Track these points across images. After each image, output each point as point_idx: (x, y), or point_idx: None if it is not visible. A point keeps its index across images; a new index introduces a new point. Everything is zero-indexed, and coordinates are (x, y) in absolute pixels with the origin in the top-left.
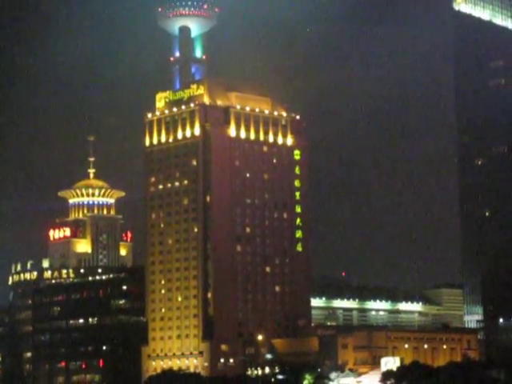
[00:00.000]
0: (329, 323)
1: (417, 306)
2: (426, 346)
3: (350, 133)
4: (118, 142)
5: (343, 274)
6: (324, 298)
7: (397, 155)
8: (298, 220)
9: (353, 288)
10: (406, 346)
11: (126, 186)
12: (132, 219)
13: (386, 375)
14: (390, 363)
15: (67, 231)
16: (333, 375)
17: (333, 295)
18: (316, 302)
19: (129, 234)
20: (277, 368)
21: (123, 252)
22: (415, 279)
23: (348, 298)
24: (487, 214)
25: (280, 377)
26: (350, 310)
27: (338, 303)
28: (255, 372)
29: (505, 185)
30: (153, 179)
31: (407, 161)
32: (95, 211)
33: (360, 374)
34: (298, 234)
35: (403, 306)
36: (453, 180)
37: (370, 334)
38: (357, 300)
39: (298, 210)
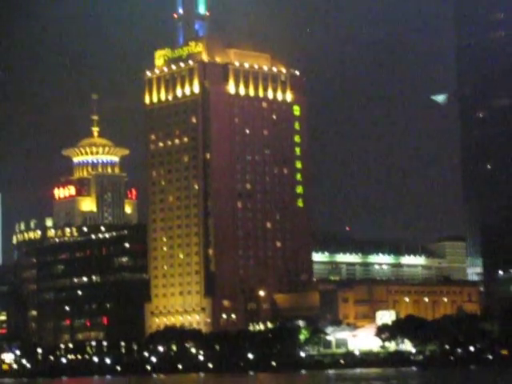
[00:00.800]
0: (332, 278)
1: (420, 260)
2: (426, 299)
3: (349, 88)
4: (121, 100)
5: (347, 228)
6: (327, 253)
7: (397, 109)
8: (299, 175)
9: (355, 242)
10: (407, 299)
11: (130, 143)
12: (137, 177)
13: (381, 329)
14: (386, 317)
15: (72, 190)
16: (329, 329)
17: (335, 250)
18: (318, 257)
19: (133, 192)
20: (278, 323)
21: (128, 210)
22: (418, 232)
23: (351, 253)
24: (489, 166)
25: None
26: (353, 264)
27: (341, 258)
28: (257, 327)
29: (506, 137)
30: (153, 137)
31: (408, 115)
32: (99, 169)
33: (356, 328)
34: (299, 189)
35: (406, 259)
36: (454, 132)
37: (370, 287)
38: (360, 254)
39: (299, 165)
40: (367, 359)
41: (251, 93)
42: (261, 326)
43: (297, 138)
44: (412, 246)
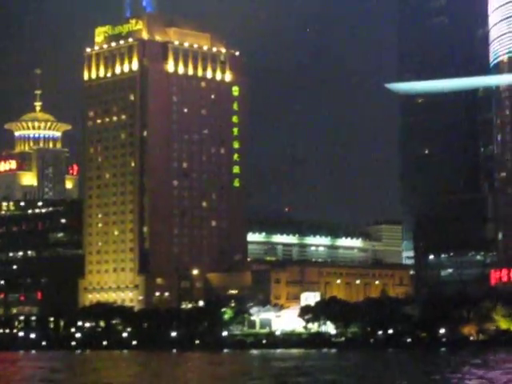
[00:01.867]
0: (267, 258)
1: (356, 242)
2: (358, 282)
3: (289, 69)
4: (63, 76)
5: (287, 209)
6: (264, 233)
7: (337, 92)
8: (236, 156)
9: (293, 223)
10: (339, 281)
11: (73, 119)
12: (78, 153)
13: (304, 310)
14: (310, 298)
15: (13, 164)
16: (253, 310)
17: (272, 230)
18: (255, 237)
19: (75, 168)
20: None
21: (69, 185)
22: (355, 215)
23: (288, 234)
24: (426, 151)
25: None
26: (290, 245)
27: (278, 238)
28: (189, 306)
29: (445, 123)
30: (91, 113)
31: (347, 98)
32: (41, 144)
33: (282, 309)
34: (236, 169)
35: (343, 241)
36: (394, 117)
37: (302, 269)
38: (296, 235)
39: (236, 145)
40: (289, 340)
41: (190, 72)
42: (193, 305)
43: (235, 119)
44: (349, 229)
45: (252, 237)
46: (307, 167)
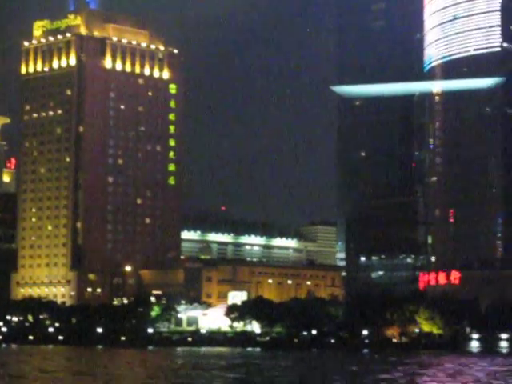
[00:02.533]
0: (202, 256)
1: (291, 242)
2: (289, 282)
3: (227, 68)
4: (1, 69)
5: (223, 208)
6: (199, 232)
7: (275, 92)
8: (172, 153)
9: (228, 222)
10: (270, 281)
11: (11, 112)
12: (16, 146)
13: (231, 309)
14: (238, 297)
15: None
16: (181, 307)
17: (208, 229)
18: (190, 235)
19: (13, 161)
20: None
21: (6, 179)
22: (291, 216)
23: (223, 232)
24: (363, 154)
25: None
26: (225, 244)
27: (213, 237)
28: (121, 302)
29: (381, 126)
30: (28, 107)
31: (286, 98)
32: None
33: (208, 307)
34: (171, 167)
35: (278, 241)
36: (331, 119)
37: (234, 268)
38: (232, 234)
39: (172, 143)
40: (214, 338)
41: (128, 69)
42: (125, 301)
43: (172, 116)
44: (284, 229)
45: (187, 235)
46: (245, 167)
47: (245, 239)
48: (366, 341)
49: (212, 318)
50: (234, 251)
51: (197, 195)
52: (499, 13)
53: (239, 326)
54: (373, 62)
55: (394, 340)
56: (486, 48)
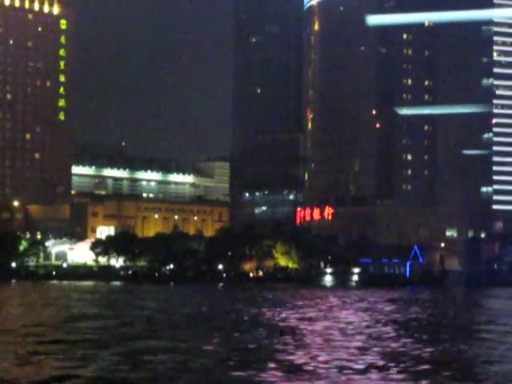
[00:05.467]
0: (97, 192)
1: (188, 178)
2: (176, 217)
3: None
4: None
5: (124, 144)
6: (94, 167)
7: (170, 30)
8: (62, 89)
9: (124, 158)
10: (156, 216)
11: None
12: None
13: (95, 243)
14: (105, 232)
15: None
16: (48, 242)
17: (103, 164)
18: (84, 171)
19: None
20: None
21: None
22: (188, 152)
23: (119, 168)
24: (259, 91)
25: None
26: (121, 179)
27: (108, 172)
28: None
29: (277, 63)
30: None
31: (181, 37)
32: None
33: (76, 242)
34: (61, 102)
35: (174, 177)
36: (228, 56)
37: (120, 203)
38: (127, 170)
39: (62, 79)
40: (79, 272)
41: (17, 4)
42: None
43: (62, 52)
44: (181, 165)
45: (81, 170)
46: (142, 103)
47: (141, 175)
48: (224, 275)
49: (79, 253)
50: (129, 187)
51: (94, 131)
52: None
53: (104, 260)
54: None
55: (251, 274)
56: None
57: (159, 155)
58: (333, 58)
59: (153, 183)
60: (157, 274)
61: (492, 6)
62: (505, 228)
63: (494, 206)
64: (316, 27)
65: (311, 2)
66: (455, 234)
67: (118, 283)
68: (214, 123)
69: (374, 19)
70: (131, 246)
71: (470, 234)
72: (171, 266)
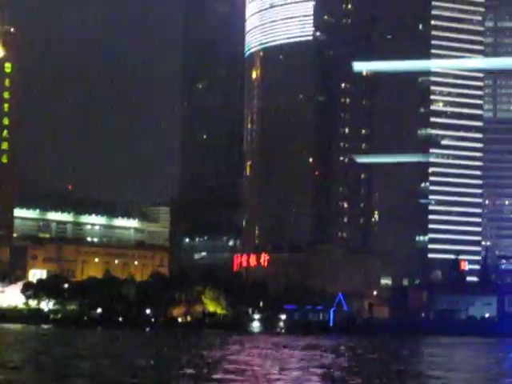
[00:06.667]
0: (41, 235)
1: (133, 223)
2: (116, 262)
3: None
4: None
5: (70, 187)
6: (38, 210)
7: (118, 74)
8: (5, 132)
9: (69, 201)
10: (96, 260)
11: None
12: None
13: (26, 286)
14: (38, 275)
15: None
16: None
17: (47, 207)
18: (28, 214)
19: None
20: None
21: None
22: (134, 196)
23: (63, 211)
24: (205, 136)
25: None
26: (65, 222)
27: (53, 215)
28: None
29: (222, 109)
30: None
31: (130, 81)
32: None
33: (8, 284)
34: (4, 145)
35: (119, 221)
36: (176, 101)
37: (60, 246)
38: (72, 213)
39: (6, 122)
40: (10, 315)
41: None
42: None
43: (6, 95)
44: (127, 209)
45: (24, 213)
46: (86, 145)
47: (85, 218)
48: (152, 319)
49: (11, 295)
50: (73, 230)
51: (40, 174)
52: (313, 2)
53: (34, 303)
54: (216, 45)
55: (180, 319)
56: (300, 37)
57: (105, 198)
58: (272, 106)
59: (97, 227)
60: (85, 318)
61: (429, 56)
62: (443, 277)
63: (430, 255)
64: (256, 74)
65: (252, 50)
66: (389, 282)
67: (46, 326)
68: (162, 167)
69: (313, 67)
70: (61, 290)
71: (405, 282)
72: (102, 310)
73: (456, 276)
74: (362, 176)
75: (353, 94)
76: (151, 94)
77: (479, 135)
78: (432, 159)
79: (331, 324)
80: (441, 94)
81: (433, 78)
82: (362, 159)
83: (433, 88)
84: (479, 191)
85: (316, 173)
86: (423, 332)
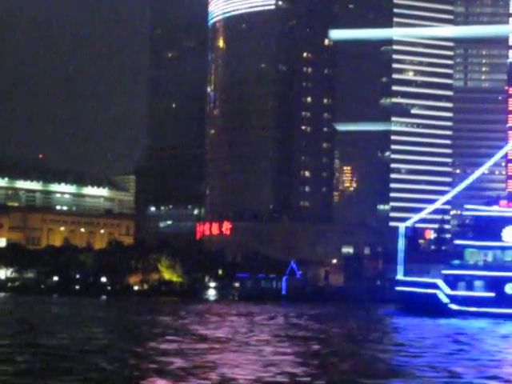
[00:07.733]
0: (10, 203)
1: (103, 191)
2: (82, 230)
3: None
4: None
5: (40, 156)
6: (7, 178)
7: (91, 44)
8: None
9: (38, 170)
10: (62, 228)
11: None
12: None
13: None
14: (1, 243)
15: None
16: None
17: (16, 176)
18: None
19: None
20: None
21: None
22: (103, 164)
23: (32, 180)
24: (174, 105)
25: None
26: (34, 191)
27: (22, 184)
28: None
29: (189, 79)
30: None
31: (100, 52)
32: None
33: None
34: None
35: (89, 190)
36: (143, 71)
37: (25, 215)
38: (41, 182)
39: None
40: None
41: None
42: None
43: None
44: (96, 178)
45: None
46: (59, 115)
47: (55, 187)
48: (109, 287)
49: None
50: (43, 199)
51: (9, 143)
52: None
53: None
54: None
55: (136, 287)
56: (262, 6)
57: (74, 167)
58: (234, 75)
59: (67, 196)
60: (42, 286)
61: (391, 25)
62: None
63: (391, 223)
64: (219, 44)
65: (215, 19)
66: (351, 251)
67: (3, 294)
68: (131, 137)
69: (275, 36)
70: (20, 258)
71: (367, 251)
72: (57, 278)
73: (412, 245)
74: (324, 145)
75: (315, 63)
76: (120, 62)
77: (449, 104)
78: (396, 128)
79: (284, 292)
80: (411, 63)
81: (403, 48)
82: (323, 128)
83: (403, 57)
84: (449, 160)
85: (278, 142)
86: (376, 300)
